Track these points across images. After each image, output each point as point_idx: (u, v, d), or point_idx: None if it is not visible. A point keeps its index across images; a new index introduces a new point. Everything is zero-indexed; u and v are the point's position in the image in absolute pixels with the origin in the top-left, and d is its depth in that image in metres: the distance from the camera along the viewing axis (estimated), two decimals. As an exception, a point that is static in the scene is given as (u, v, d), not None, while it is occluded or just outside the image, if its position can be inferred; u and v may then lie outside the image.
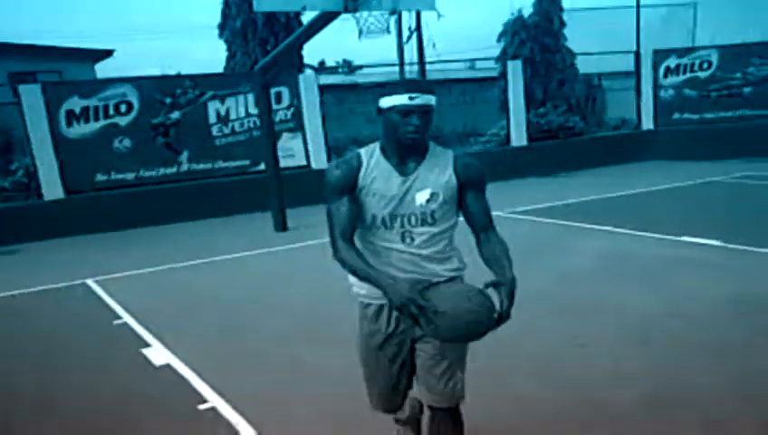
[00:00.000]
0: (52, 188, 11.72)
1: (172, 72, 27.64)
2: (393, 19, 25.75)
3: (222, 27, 16.16)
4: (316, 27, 8.98)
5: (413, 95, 2.50)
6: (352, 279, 2.67)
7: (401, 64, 27.64)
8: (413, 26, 27.75)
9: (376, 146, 2.66)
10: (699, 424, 3.58)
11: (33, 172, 11.77)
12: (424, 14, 27.42)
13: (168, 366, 4.99)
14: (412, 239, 2.59)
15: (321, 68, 47.40)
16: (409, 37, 29.07)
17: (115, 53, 26.36)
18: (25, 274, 8.80)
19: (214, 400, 4.31)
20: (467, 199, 2.66)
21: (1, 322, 6.88)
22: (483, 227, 2.68)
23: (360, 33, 8.26)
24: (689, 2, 29.54)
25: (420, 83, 2.59)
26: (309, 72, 14.47)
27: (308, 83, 13.80)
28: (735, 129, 16.05)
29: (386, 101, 2.54)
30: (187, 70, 31.48)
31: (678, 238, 7.97)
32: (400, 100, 2.50)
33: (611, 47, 18.50)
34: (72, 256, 9.95)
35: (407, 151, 2.58)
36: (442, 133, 20.78)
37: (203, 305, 6.73)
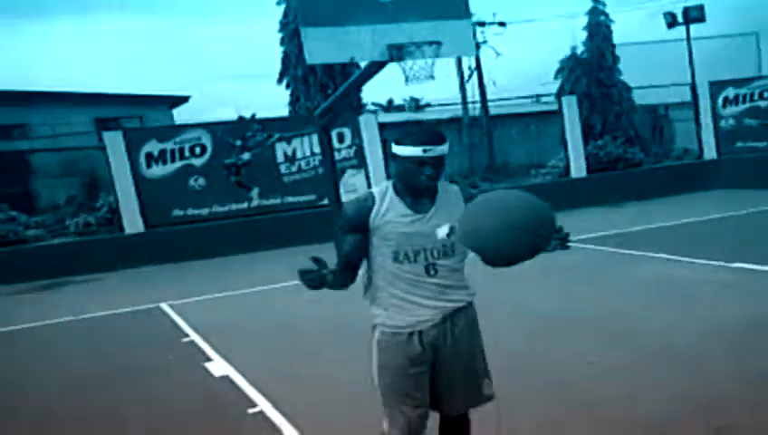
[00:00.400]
0: (132, 222, 12.74)
1: (246, 113, 29.01)
2: (453, 60, 26.44)
3: (282, 75, 17.12)
4: (367, 75, 9.65)
5: (427, 148, 2.67)
6: (377, 310, 2.87)
7: (464, 102, 28.24)
8: (473, 66, 28.45)
9: (389, 185, 2.83)
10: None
11: (115, 209, 12.79)
12: (482, 54, 28.14)
13: (227, 378, 5.59)
14: (436, 271, 2.79)
15: (390, 106, 48.50)
16: (470, 76, 29.70)
17: (191, 99, 27.82)
18: (107, 298, 9.69)
19: (262, 404, 4.87)
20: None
21: (82, 338, 7.69)
22: None
23: (407, 79, 8.84)
24: (751, 32, 29.27)
25: (433, 135, 2.72)
26: (368, 114, 15.16)
27: (368, 124, 14.53)
28: (801, 156, 15.93)
29: (401, 151, 2.72)
30: (260, 111, 32.96)
31: (728, 264, 8.12)
32: (415, 151, 2.68)
33: (677, 78, 18.67)
34: (149, 283, 10.79)
35: (421, 194, 2.79)
36: (508, 166, 21.22)
37: (264, 327, 7.35)
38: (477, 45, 28.18)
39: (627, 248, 9.98)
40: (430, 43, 8.84)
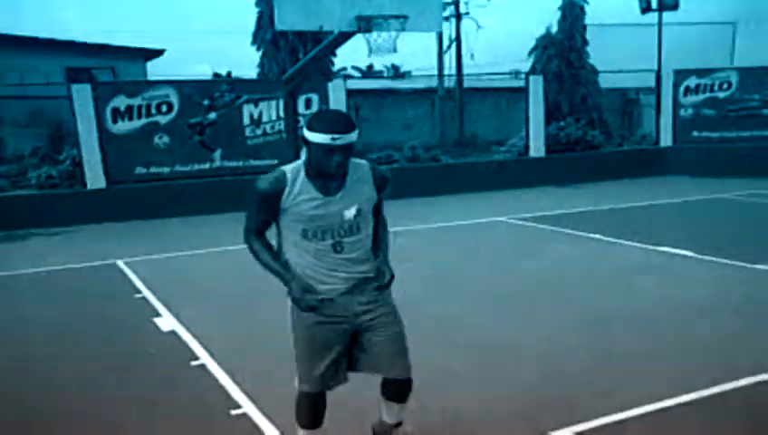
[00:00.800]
0: (95, 178, 12.86)
1: (222, 70, 28.89)
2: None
3: (255, 35, 17.18)
4: (334, 44, 9.92)
5: (336, 136, 2.85)
6: None
7: (440, 74, 28.45)
8: (454, 37, 28.65)
9: (300, 167, 3.02)
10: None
11: (78, 162, 12.90)
12: (463, 25, 28.35)
13: (173, 332, 5.91)
14: (342, 248, 3.05)
15: (369, 72, 48.44)
16: (449, 47, 29.91)
17: (166, 53, 27.60)
18: (64, 253, 9.89)
19: (204, 357, 5.20)
20: (379, 203, 3.22)
21: (38, 289, 7.95)
22: (383, 225, 3.34)
23: (370, 51, 9.13)
24: (729, 21, 29.65)
25: (343, 123, 2.90)
26: (337, 80, 15.33)
27: (336, 90, 14.69)
28: (754, 148, 16.45)
29: (311, 137, 2.89)
30: (235, 69, 32.80)
31: (654, 248, 8.62)
32: (324, 139, 2.85)
33: (652, 63, 18.97)
34: (107, 239, 10.99)
35: (331, 178, 3.00)
36: (477, 140, 21.52)
37: (214, 286, 7.67)
38: (459, 16, 28.45)
39: (564, 227, 10.44)
40: (397, 17, 9.14)
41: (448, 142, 22.75)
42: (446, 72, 29.50)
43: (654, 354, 4.99)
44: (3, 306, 7.31)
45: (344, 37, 9.66)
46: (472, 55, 30.21)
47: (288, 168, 3.06)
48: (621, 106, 23.87)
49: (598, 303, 6.39)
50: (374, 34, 8.95)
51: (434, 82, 27.40)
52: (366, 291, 3.16)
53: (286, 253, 3.14)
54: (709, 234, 9.71)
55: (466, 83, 26.04)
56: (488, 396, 4.36)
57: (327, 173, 2.97)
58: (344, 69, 42.04)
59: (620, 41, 23.37)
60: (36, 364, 5.33)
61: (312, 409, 3.30)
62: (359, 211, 3.07)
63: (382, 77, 45.87)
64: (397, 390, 3.33)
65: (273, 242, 3.18)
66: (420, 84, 28.96)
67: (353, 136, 2.91)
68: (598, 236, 9.59)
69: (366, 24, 8.95)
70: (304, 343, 3.18)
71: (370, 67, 48.51)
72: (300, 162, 3.05)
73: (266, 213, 3.08)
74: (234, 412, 4.25)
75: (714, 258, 7.89)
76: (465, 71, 27.57)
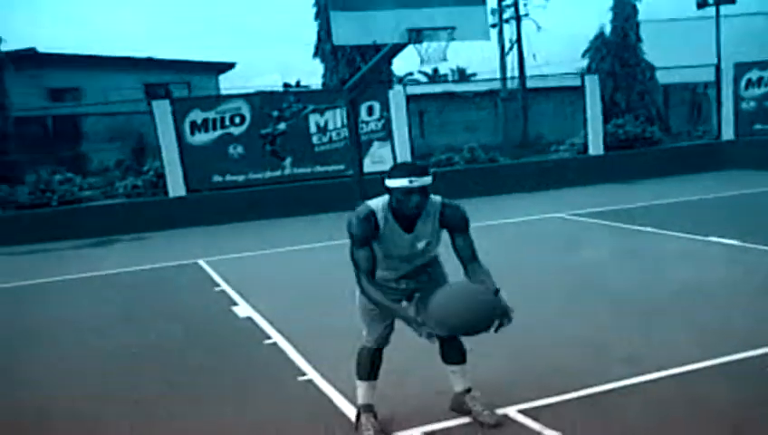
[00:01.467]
0: (176, 186, 13.95)
1: (291, 80, 29.99)
2: (496, 32, 26.97)
3: (317, 48, 18.05)
4: (390, 55, 10.61)
5: (413, 179, 3.38)
6: None
7: (504, 77, 28.88)
8: (515, 38, 29.06)
9: (386, 207, 3.56)
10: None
11: (161, 173, 13.99)
12: (524, 26, 28.70)
13: (249, 318, 6.69)
14: (410, 263, 3.77)
15: (435, 75, 49.04)
16: (510, 48, 30.34)
17: (238, 65, 28.86)
18: (149, 255, 10.89)
19: (276, 337, 5.95)
20: (455, 239, 3.71)
21: (126, 287, 8.90)
22: (468, 259, 3.73)
23: (422, 60, 9.77)
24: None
25: (419, 169, 3.44)
26: (398, 88, 16.02)
27: (397, 98, 15.41)
28: (818, 139, 16.41)
29: (392, 183, 3.44)
30: (304, 78, 33.91)
31: (703, 238, 8.98)
32: (402, 183, 3.39)
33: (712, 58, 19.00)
34: (188, 242, 11.98)
35: (411, 218, 3.58)
36: (541, 140, 21.86)
37: (287, 281, 8.47)
38: (519, 18, 28.87)
39: (618, 222, 10.85)
40: (445, 29, 9.77)
41: (512, 143, 23.16)
42: (509, 73, 29.99)
43: (675, 327, 5.51)
44: (98, 302, 8.20)
45: (398, 48, 10.36)
46: (534, 56, 30.77)
47: (375, 206, 3.59)
48: (691, 101, 23.82)
49: (628, 285, 6.92)
50: (424, 45, 9.58)
51: (497, 84, 27.84)
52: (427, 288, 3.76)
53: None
54: (759, 224, 9.96)
55: (529, 84, 26.39)
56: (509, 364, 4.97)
57: (408, 215, 3.55)
58: (411, 74, 42.90)
59: (686, 36, 23.40)
60: (125, 348, 6.18)
61: (370, 360, 3.96)
62: (427, 245, 3.72)
63: (447, 81, 46.46)
64: (453, 351, 4.05)
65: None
66: (483, 87, 29.45)
67: (427, 180, 3.44)
68: (648, 229, 9.98)
69: (417, 36, 9.58)
70: (369, 317, 3.87)
71: (436, 71, 49.15)
72: (382, 201, 3.59)
73: (369, 249, 3.58)
74: (300, 379, 4.97)
75: (757, 246, 8.23)
76: (528, 71, 27.98)
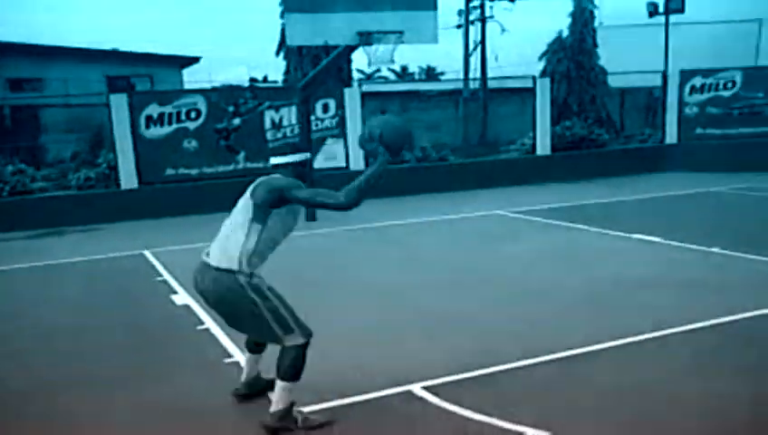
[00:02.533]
0: (128, 178, 14.11)
1: (258, 74, 30.08)
2: (461, 33, 27.43)
3: (280, 46, 18.32)
4: (343, 55, 10.99)
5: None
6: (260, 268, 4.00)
7: (466, 78, 29.37)
8: (479, 39, 29.59)
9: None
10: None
11: (114, 165, 14.15)
12: (488, 28, 29.23)
13: (186, 306, 6.99)
14: None
15: (405, 73, 49.41)
16: (474, 49, 30.85)
17: (204, 58, 28.95)
18: (98, 245, 11.08)
19: (209, 323, 6.26)
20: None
21: (73, 275, 9.13)
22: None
23: (370, 62, 10.16)
24: (754, 18, 29.88)
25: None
26: (353, 87, 16.37)
27: (352, 96, 15.73)
28: (755, 144, 17.09)
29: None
30: (270, 73, 34.02)
31: (628, 235, 9.48)
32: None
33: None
34: (137, 234, 12.16)
35: None
36: (499, 139, 22.36)
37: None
38: (484, 20, 29.39)
39: (553, 219, 11.35)
40: (394, 32, 10.17)
41: (472, 142, 23.64)
42: (472, 73, 30.49)
43: (576, 310, 5.97)
44: (42, 287, 8.47)
45: (350, 50, 10.73)
46: (496, 57, 31.26)
47: None
48: (646, 104, 24.54)
49: (547, 276, 7.41)
50: (374, 47, 9.96)
51: (460, 84, 28.34)
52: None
53: (265, 247, 4.02)
54: (685, 223, 10.52)
55: (490, 85, 26.93)
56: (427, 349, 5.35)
57: None
58: (378, 71, 43.35)
59: (643, 41, 24.08)
60: (65, 330, 6.46)
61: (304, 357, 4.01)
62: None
63: (414, 80, 46.95)
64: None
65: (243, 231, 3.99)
66: (447, 86, 29.93)
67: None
68: (581, 226, 10.47)
69: (367, 39, 9.98)
70: (290, 310, 4.01)
71: (405, 69, 49.65)
72: None
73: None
74: (227, 361, 5.30)
75: (677, 243, 8.74)
76: (490, 73, 28.54)
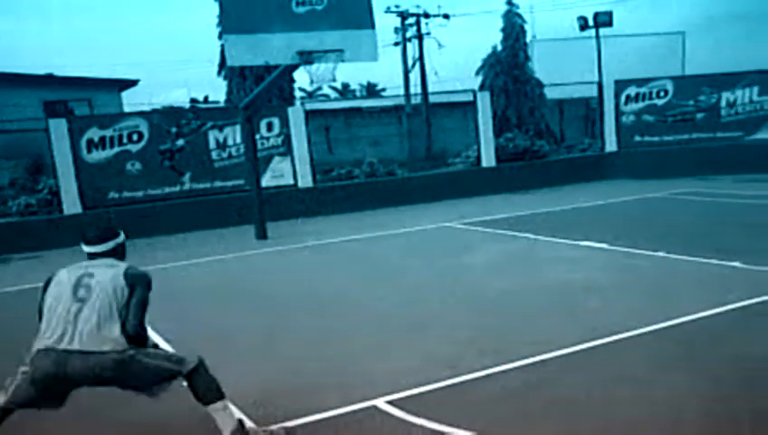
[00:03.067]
0: (71, 204, 13.81)
1: (200, 95, 29.79)
2: (399, 50, 27.62)
3: (221, 66, 18.24)
4: (284, 75, 11.00)
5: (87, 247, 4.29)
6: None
7: (407, 93, 29.59)
8: (417, 56, 29.89)
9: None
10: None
11: (56, 191, 13.84)
12: (426, 44, 29.59)
13: (140, 330, 6.85)
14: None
15: (346, 90, 49.53)
16: (413, 65, 31.14)
17: (143, 81, 28.57)
18: (42, 273, 10.70)
19: (161, 343, 6.15)
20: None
21: (20, 304, 8.79)
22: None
23: (311, 81, 10.21)
24: (678, 31, 31.21)
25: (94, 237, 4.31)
26: (297, 106, 16.40)
27: (295, 114, 15.75)
28: (690, 150, 17.69)
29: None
30: (212, 94, 33.74)
31: (576, 242, 9.69)
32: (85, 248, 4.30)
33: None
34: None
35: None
36: (446, 153, 22.61)
37: (175, 294, 8.63)
38: (420, 36, 29.73)
39: (501, 229, 11.53)
40: (334, 51, 10.21)
41: (418, 157, 23.87)
42: (413, 89, 30.80)
43: (532, 317, 6.12)
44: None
45: (291, 69, 10.75)
46: (436, 73, 31.68)
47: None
48: (585, 115, 25.19)
49: (499, 285, 7.53)
50: (314, 66, 10.00)
51: (402, 100, 28.57)
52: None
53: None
54: (629, 229, 10.77)
55: (432, 100, 27.23)
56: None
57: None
58: (320, 88, 43.43)
59: (579, 54, 24.77)
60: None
61: None
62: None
63: (356, 96, 47.19)
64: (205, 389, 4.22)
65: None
66: (389, 102, 30.12)
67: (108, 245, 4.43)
68: (529, 235, 10.65)
69: (307, 58, 10.00)
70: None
71: (346, 86, 49.88)
72: None
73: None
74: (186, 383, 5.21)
75: (623, 249, 8.96)
76: (431, 87, 28.89)
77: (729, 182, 15.62)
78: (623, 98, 18.43)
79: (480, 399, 4.56)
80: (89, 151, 14.13)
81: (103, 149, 14.28)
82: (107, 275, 4.16)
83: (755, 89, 17.73)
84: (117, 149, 14.37)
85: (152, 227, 13.81)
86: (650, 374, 4.73)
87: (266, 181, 14.65)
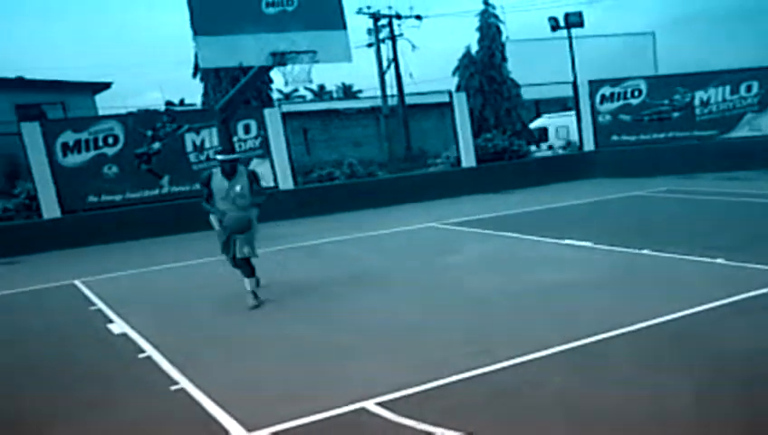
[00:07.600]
0: (50, 208, 13.66)
1: (175, 97, 29.50)
2: (373, 51, 27.56)
3: (196, 68, 18.11)
4: (258, 76, 10.91)
5: (223, 157, 7.59)
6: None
7: (384, 95, 29.58)
8: (392, 57, 29.84)
9: (219, 169, 7.54)
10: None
11: (33, 195, 13.66)
12: (400, 45, 29.56)
13: (124, 334, 6.80)
14: (234, 203, 7.43)
15: (322, 92, 49.37)
16: (388, 67, 31.12)
17: (117, 84, 28.21)
18: (24, 278, 10.66)
19: (149, 350, 6.12)
20: (251, 185, 7.54)
21: (2, 310, 8.75)
22: (256, 193, 7.64)
23: (286, 82, 10.16)
24: (648, 32, 31.60)
25: (229, 151, 8.05)
26: (274, 108, 16.33)
27: (273, 117, 15.68)
28: (667, 148, 17.89)
29: (218, 157, 7.77)
30: (187, 96, 33.47)
31: (559, 241, 9.74)
32: (220, 157, 7.58)
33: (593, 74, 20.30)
34: (64, 264, 11.78)
35: (228, 173, 7.44)
36: (425, 154, 22.66)
37: (158, 297, 8.60)
38: (394, 38, 29.72)
39: (484, 228, 11.58)
40: (307, 52, 10.16)
41: (396, 157, 23.88)
42: (389, 90, 30.78)
43: (518, 317, 6.14)
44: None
45: (265, 70, 10.68)
46: (411, 74, 31.64)
47: (212, 169, 7.77)
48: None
49: (484, 285, 7.55)
50: (288, 67, 9.96)
51: (379, 102, 28.54)
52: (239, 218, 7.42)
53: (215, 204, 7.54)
54: (612, 227, 10.85)
55: (408, 101, 27.22)
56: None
57: (227, 172, 7.50)
58: (296, 90, 43.28)
59: (554, 54, 24.94)
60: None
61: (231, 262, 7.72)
62: (241, 189, 7.47)
63: (333, 98, 47.02)
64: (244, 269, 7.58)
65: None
66: (366, 104, 30.09)
67: (233, 156, 7.66)
68: (513, 234, 10.70)
69: (280, 59, 9.95)
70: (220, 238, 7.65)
71: (322, 88, 49.71)
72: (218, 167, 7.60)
73: (207, 188, 7.62)
74: (173, 388, 5.18)
75: (607, 247, 9.03)
76: (407, 89, 28.87)
77: (709, 180, 15.82)
78: (598, 98, 18.58)
79: (468, 399, 4.57)
80: (64, 155, 13.99)
81: (79, 152, 14.13)
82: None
83: (727, 88, 17.96)
84: (93, 152, 14.23)
85: (134, 230, 13.72)
86: (635, 373, 4.77)
87: (246, 183, 14.57)
